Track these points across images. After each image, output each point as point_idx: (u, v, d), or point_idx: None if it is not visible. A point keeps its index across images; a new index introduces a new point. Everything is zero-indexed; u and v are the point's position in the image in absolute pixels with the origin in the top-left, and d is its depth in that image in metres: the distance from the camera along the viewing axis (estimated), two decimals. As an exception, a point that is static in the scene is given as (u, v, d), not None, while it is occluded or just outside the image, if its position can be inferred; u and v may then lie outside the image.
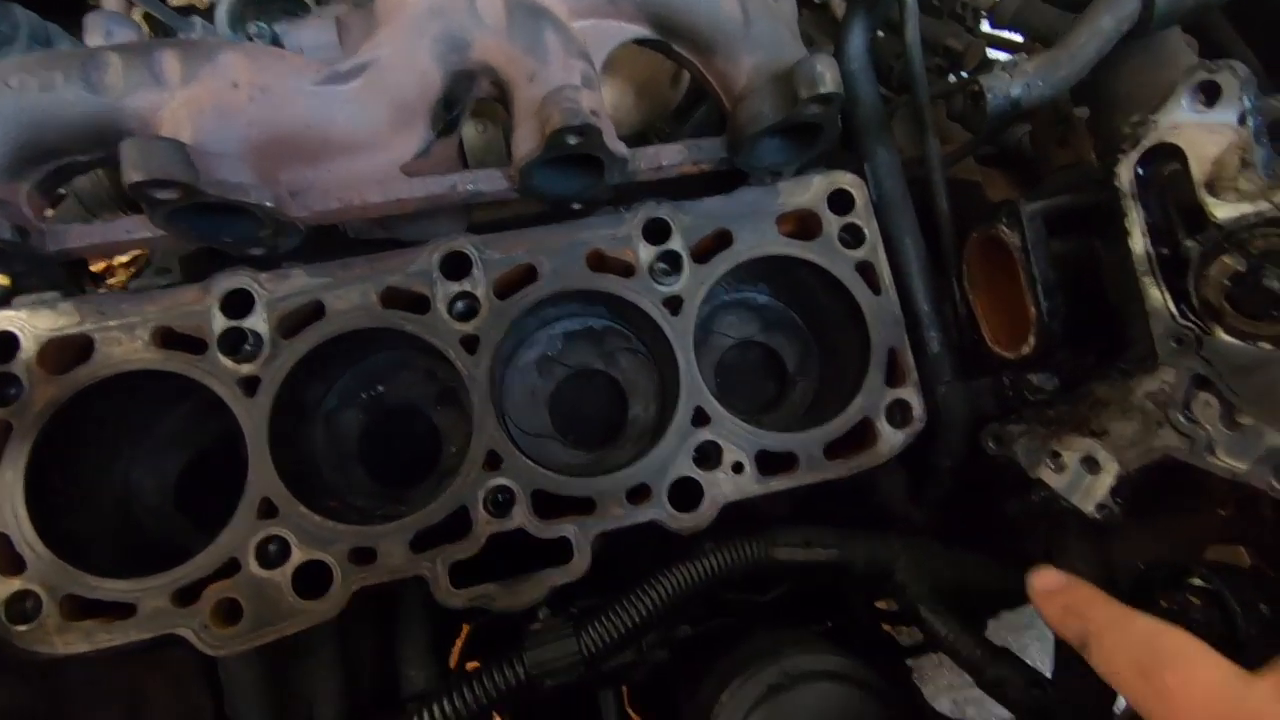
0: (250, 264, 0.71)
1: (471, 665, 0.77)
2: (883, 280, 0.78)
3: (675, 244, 0.74)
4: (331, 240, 0.77)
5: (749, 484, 0.73)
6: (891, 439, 0.75)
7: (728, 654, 0.76)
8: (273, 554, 0.67)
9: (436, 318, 0.71)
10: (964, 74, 1.12)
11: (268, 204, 0.60)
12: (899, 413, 0.76)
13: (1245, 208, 0.49)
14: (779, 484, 0.73)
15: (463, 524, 0.69)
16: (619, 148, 0.64)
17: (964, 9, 1.07)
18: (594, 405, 0.86)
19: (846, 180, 0.79)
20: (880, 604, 1.00)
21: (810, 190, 0.78)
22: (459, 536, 0.69)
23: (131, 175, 0.53)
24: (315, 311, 0.70)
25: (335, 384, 0.81)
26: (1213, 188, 0.51)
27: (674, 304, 0.75)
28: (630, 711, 0.99)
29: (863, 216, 0.78)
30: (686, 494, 0.72)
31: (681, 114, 1.04)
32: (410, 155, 0.67)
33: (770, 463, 0.74)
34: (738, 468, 0.73)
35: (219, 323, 0.68)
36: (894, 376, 0.77)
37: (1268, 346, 0.49)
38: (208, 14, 1.30)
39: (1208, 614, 0.58)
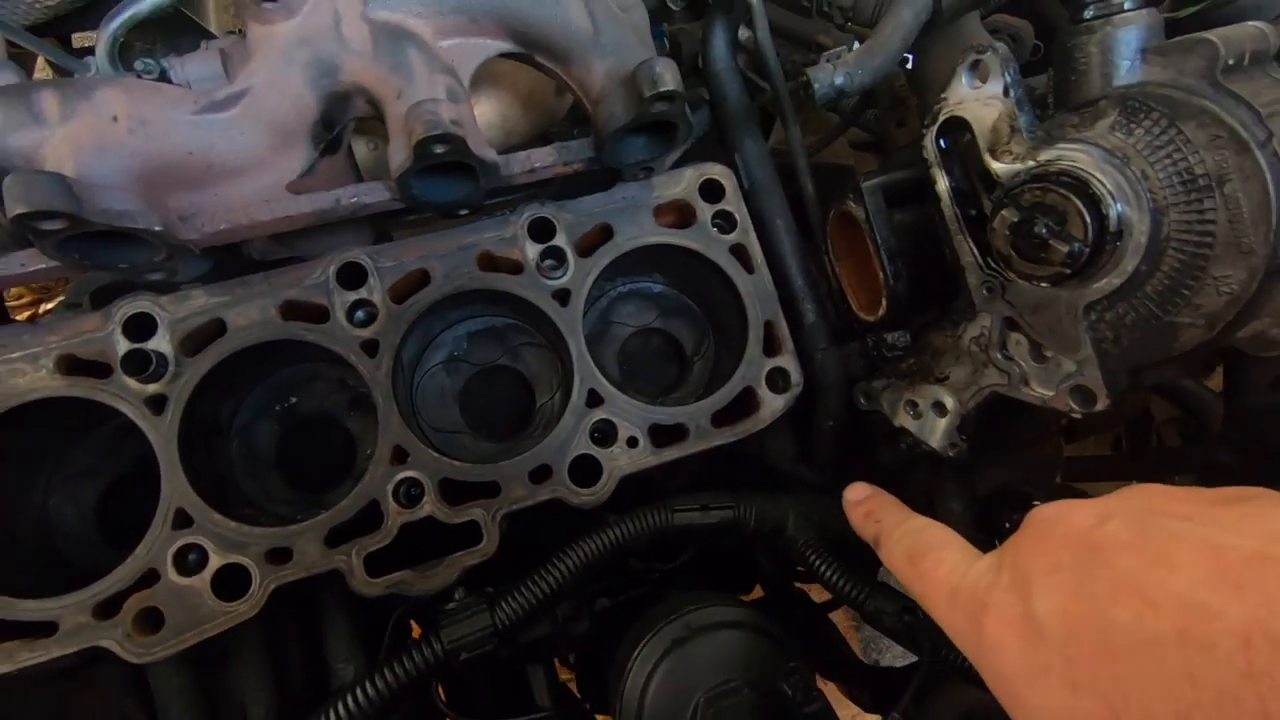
0: (153, 289, 0.74)
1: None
2: (755, 260, 0.84)
3: (559, 240, 0.80)
4: (237, 264, 0.80)
5: (643, 456, 0.78)
6: (773, 404, 0.82)
7: (639, 619, 0.81)
8: (191, 562, 0.70)
9: (336, 326, 0.75)
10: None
11: (156, 228, 0.64)
12: (779, 379, 0.83)
13: (1018, 166, 0.57)
14: (671, 454, 0.79)
15: (375, 517, 0.73)
16: (488, 154, 0.69)
17: (830, 7, 1.16)
18: (502, 399, 0.91)
19: (716, 171, 0.85)
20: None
21: (683, 182, 0.84)
22: (372, 529, 0.73)
23: (15, 208, 0.56)
24: (217, 329, 0.74)
25: (246, 399, 0.84)
26: (994, 152, 0.59)
27: (563, 296, 0.80)
28: (572, 688, 1.03)
29: (733, 203, 0.85)
30: (586, 471, 0.77)
31: (580, 120, 1.10)
32: (295, 174, 0.71)
33: (662, 435, 0.80)
34: (632, 442, 0.78)
35: (122, 346, 0.71)
36: (771, 347, 0.83)
37: (1046, 285, 0.57)
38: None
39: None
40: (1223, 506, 0.38)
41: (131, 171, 0.64)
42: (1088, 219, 0.52)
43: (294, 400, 0.86)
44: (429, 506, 0.74)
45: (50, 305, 1.15)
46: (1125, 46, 0.50)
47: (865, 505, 0.65)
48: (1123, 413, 0.74)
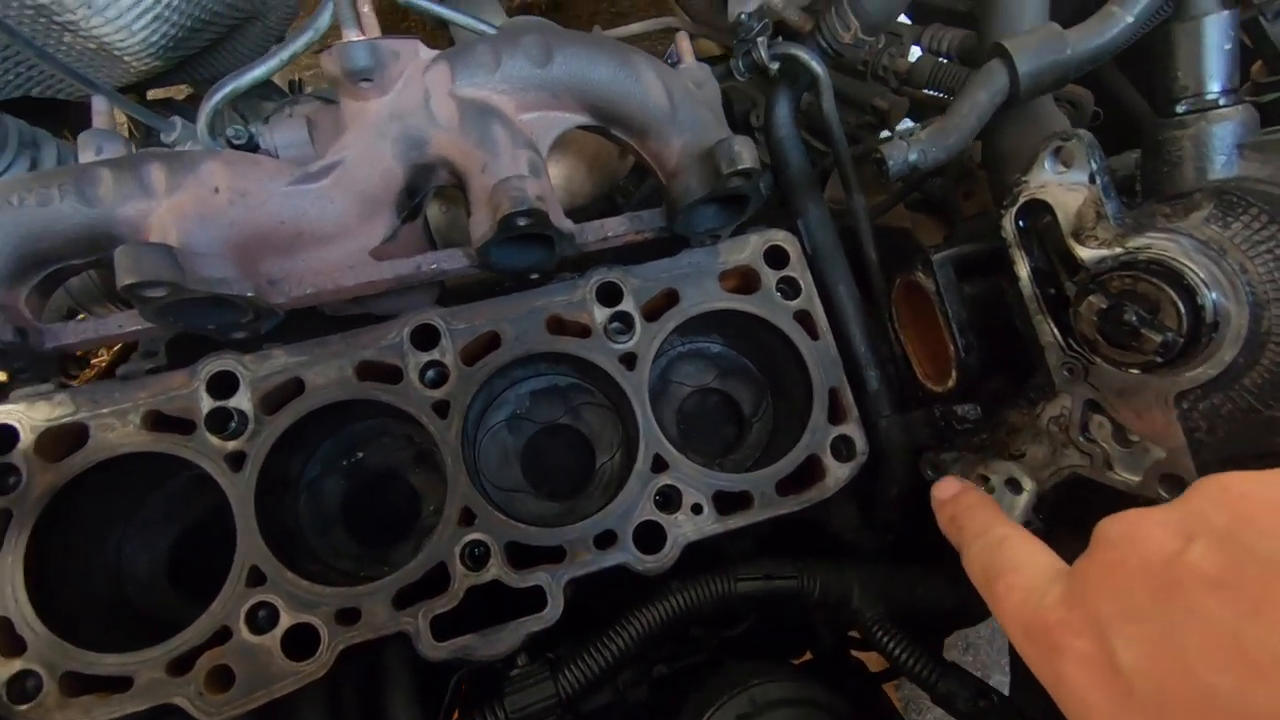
0: (233, 346, 0.76)
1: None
2: (820, 326, 0.85)
3: (627, 305, 0.81)
4: (310, 318, 0.83)
5: (708, 524, 0.78)
6: (838, 472, 0.81)
7: (700, 689, 0.80)
8: (262, 620, 0.71)
9: (409, 386, 0.77)
10: (888, 130, 1.23)
11: (249, 294, 0.66)
12: (843, 447, 0.82)
13: (1104, 252, 0.56)
14: (736, 522, 0.78)
15: (441, 579, 0.73)
16: (565, 224, 0.71)
17: (885, 72, 1.18)
18: (563, 458, 0.91)
19: (780, 237, 0.86)
20: (853, 633, 1.05)
21: (748, 248, 0.85)
22: (439, 591, 0.73)
23: (125, 279, 0.59)
24: (296, 387, 0.76)
25: (316, 453, 0.86)
26: (1078, 236, 0.59)
27: (629, 360, 0.81)
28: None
29: (797, 269, 0.86)
30: (650, 537, 0.77)
31: (640, 176, 1.13)
32: (378, 240, 0.74)
33: (727, 502, 0.79)
34: (697, 509, 0.78)
35: (206, 404, 0.73)
36: (836, 414, 0.83)
37: (1136, 371, 0.56)
38: (188, 101, 1.39)
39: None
40: None
41: (229, 240, 0.67)
42: (1182, 309, 0.52)
43: (360, 455, 0.88)
44: (495, 570, 0.74)
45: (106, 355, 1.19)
46: (1220, 142, 0.51)
47: (950, 508, 0.61)
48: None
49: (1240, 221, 0.50)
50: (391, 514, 0.88)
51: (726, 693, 0.75)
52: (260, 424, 0.74)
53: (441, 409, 0.77)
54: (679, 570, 0.78)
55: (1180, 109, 0.52)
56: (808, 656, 1.08)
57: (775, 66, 0.87)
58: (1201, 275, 0.51)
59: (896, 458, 0.84)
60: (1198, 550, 0.35)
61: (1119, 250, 0.56)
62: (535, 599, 0.74)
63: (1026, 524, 0.70)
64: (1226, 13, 0.50)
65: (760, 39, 0.85)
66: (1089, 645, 0.38)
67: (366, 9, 0.73)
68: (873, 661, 1.03)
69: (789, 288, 0.86)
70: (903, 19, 1.25)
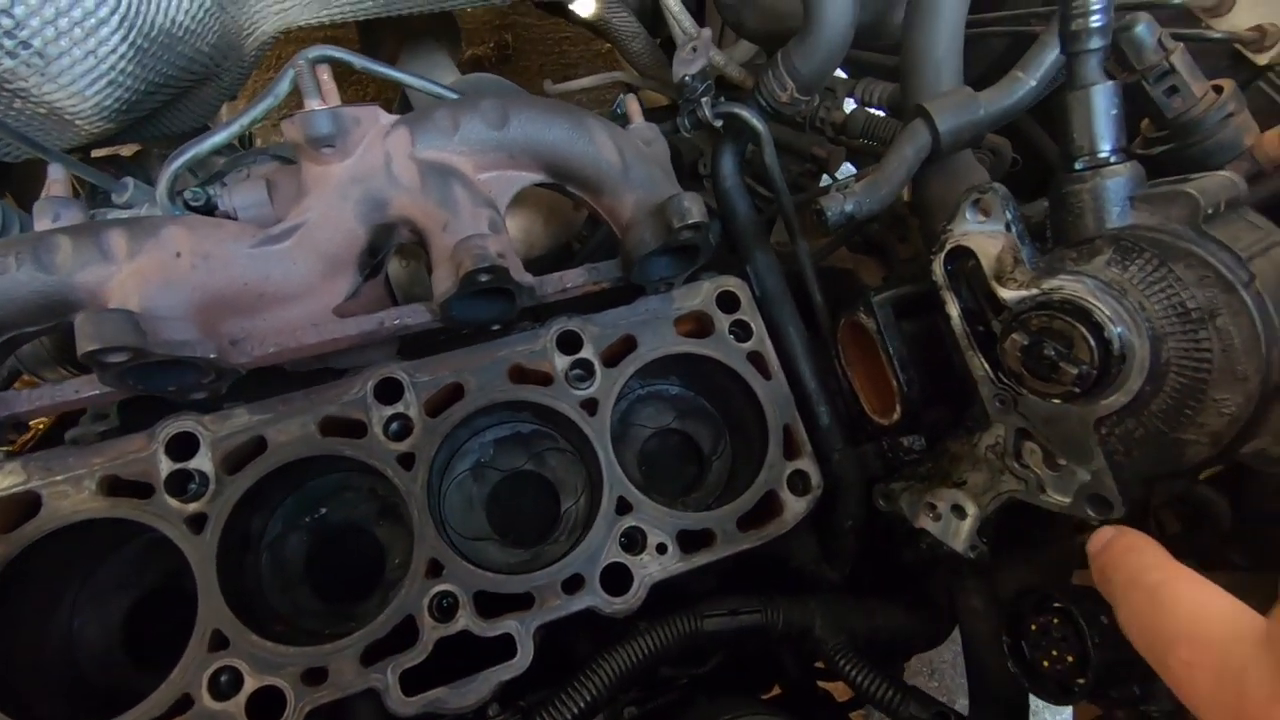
0: (192, 406, 0.76)
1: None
2: (771, 366, 0.89)
3: (587, 352, 0.84)
4: (268, 374, 0.83)
5: (673, 563, 0.80)
6: (795, 506, 0.84)
7: (671, 728, 0.81)
8: (225, 685, 0.69)
9: (373, 440, 0.77)
10: (829, 176, 1.30)
11: (212, 356, 0.67)
12: (799, 482, 0.86)
13: (1023, 293, 0.62)
14: (700, 559, 0.81)
15: (410, 632, 0.73)
16: (525, 278, 0.74)
17: (822, 123, 1.25)
18: (528, 504, 0.93)
19: (731, 283, 0.91)
20: (818, 664, 1.07)
21: (701, 294, 0.90)
22: (407, 645, 0.73)
23: (86, 345, 0.59)
24: (258, 446, 0.76)
25: (278, 510, 0.86)
26: (1000, 278, 0.64)
27: (591, 405, 0.83)
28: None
29: (748, 313, 0.90)
30: (617, 578, 0.78)
31: (594, 223, 1.17)
32: (341, 298, 0.75)
33: (691, 541, 0.82)
34: (662, 549, 0.80)
35: (165, 466, 0.73)
36: (791, 450, 0.87)
37: (1058, 401, 0.61)
38: (134, 159, 1.38)
39: (1064, 630, 0.67)
40: None
41: (192, 303, 0.67)
42: (1093, 343, 0.57)
43: (324, 511, 0.88)
44: (464, 620, 0.74)
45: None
46: (1115, 194, 0.57)
47: (1100, 560, 0.50)
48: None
49: (1136, 265, 0.55)
50: (356, 569, 0.87)
51: (698, 730, 0.76)
52: (222, 484, 0.73)
53: (407, 461, 0.77)
54: (646, 610, 0.80)
55: (1078, 166, 0.58)
56: (777, 690, 1.10)
57: (719, 124, 0.92)
58: (1107, 313, 0.56)
59: (850, 490, 0.88)
60: None
61: (1035, 291, 0.61)
62: (505, 647, 0.75)
63: (972, 548, 0.75)
64: (1111, 83, 0.57)
65: (704, 99, 0.90)
66: None
67: (326, 76, 0.75)
68: (840, 691, 1.05)
69: (741, 330, 0.90)
70: (839, 73, 1.34)
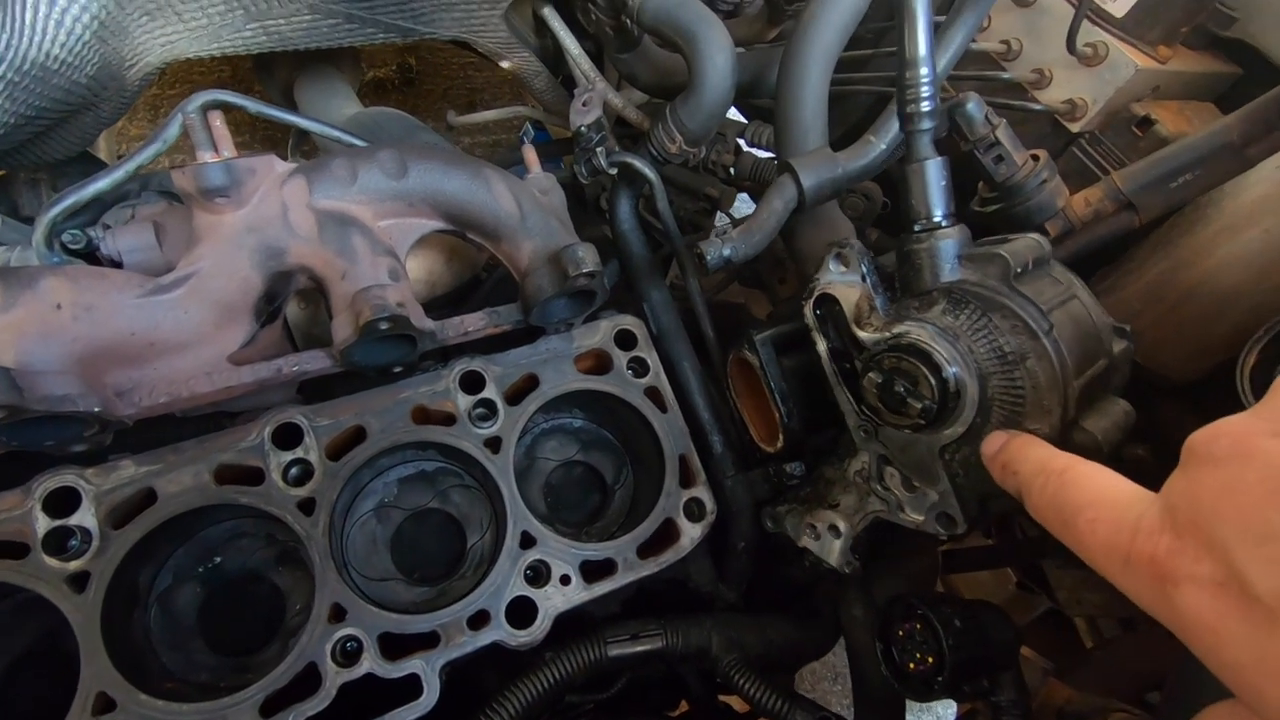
0: (73, 460, 0.73)
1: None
2: (667, 400, 0.94)
3: (489, 392, 0.87)
4: (160, 420, 0.81)
5: (576, 593, 0.83)
6: (691, 532, 0.90)
7: (578, 753, 0.84)
8: (111, 750, 0.67)
9: (271, 486, 0.77)
10: (723, 213, 1.39)
11: (95, 409, 0.66)
12: (695, 508, 0.91)
13: (877, 336, 0.70)
14: (603, 588, 0.84)
15: (312, 679, 0.73)
16: (427, 324, 0.77)
17: (714, 165, 1.34)
18: (433, 542, 0.94)
19: (628, 321, 0.96)
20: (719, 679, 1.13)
21: (599, 333, 0.94)
22: (310, 692, 0.72)
23: (-45, 406, 0.57)
24: (147, 498, 0.74)
25: (168, 562, 0.83)
26: (858, 322, 0.72)
27: (494, 444, 0.86)
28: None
29: (645, 349, 0.95)
30: (522, 611, 0.81)
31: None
32: (236, 346, 0.75)
33: (593, 570, 0.85)
34: (565, 580, 0.83)
35: (42, 524, 0.70)
36: (686, 479, 0.92)
37: (909, 431, 0.69)
38: (1, 185, 1.30)
39: (924, 634, 0.75)
40: None
41: (73, 355, 0.66)
42: (933, 382, 0.65)
43: (218, 560, 0.86)
44: (368, 663, 0.75)
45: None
46: (946, 253, 0.66)
47: (1001, 457, 0.57)
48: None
49: (964, 314, 0.64)
50: (254, 617, 0.85)
51: (602, 753, 0.80)
52: (107, 540, 0.71)
53: (307, 507, 0.77)
54: (551, 639, 0.83)
55: (917, 228, 0.67)
56: (684, 707, 1.15)
57: (614, 171, 0.98)
58: (944, 355, 0.65)
59: (742, 513, 0.94)
60: None
61: (887, 335, 0.69)
62: (411, 687, 0.76)
63: (847, 564, 0.82)
64: (940, 158, 0.67)
65: (599, 148, 0.96)
66: (1212, 571, 0.35)
67: (219, 123, 0.75)
68: (739, 703, 1.11)
69: (639, 366, 0.95)
70: (735, 113, 1.44)
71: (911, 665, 0.78)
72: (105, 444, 0.74)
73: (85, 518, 0.71)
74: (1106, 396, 0.68)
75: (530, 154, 0.93)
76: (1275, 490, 0.34)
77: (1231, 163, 0.82)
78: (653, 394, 0.94)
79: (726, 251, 0.81)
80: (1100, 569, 0.43)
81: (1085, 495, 0.46)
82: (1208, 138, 0.82)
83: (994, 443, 0.60)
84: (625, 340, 0.95)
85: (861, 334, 0.71)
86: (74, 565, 0.70)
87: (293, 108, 1.69)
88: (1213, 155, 0.81)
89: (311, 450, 0.79)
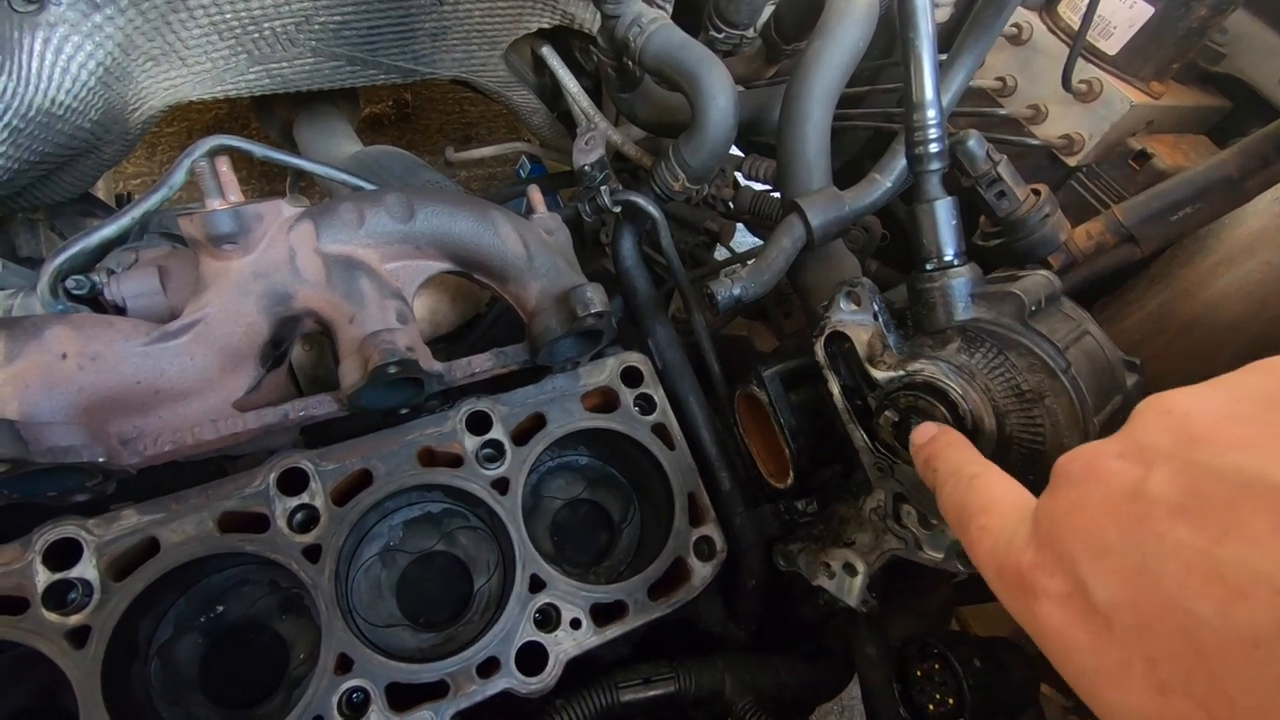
0: (74, 510, 0.72)
1: None
2: (675, 436, 0.94)
3: (496, 432, 0.86)
4: (161, 467, 0.80)
5: (587, 637, 0.82)
6: (702, 571, 0.89)
7: (590, 804, 0.81)
8: (109, 814, 0.65)
9: (276, 534, 0.76)
10: (726, 248, 1.40)
11: (100, 459, 0.64)
12: (705, 547, 0.90)
13: (891, 374, 0.70)
14: (613, 631, 0.83)
15: (317, 734, 0.71)
16: (434, 367, 0.76)
17: (714, 199, 1.35)
18: (439, 585, 0.92)
19: (635, 359, 0.96)
20: None
21: (606, 371, 0.94)
22: (315, 748, 0.71)
23: (-42, 460, 0.56)
24: (149, 548, 0.72)
25: (169, 613, 0.81)
26: (872, 360, 0.72)
27: (502, 485, 0.85)
28: None
29: (651, 386, 0.95)
30: (532, 657, 0.79)
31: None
32: (241, 392, 0.74)
33: (604, 613, 0.84)
34: (575, 624, 0.82)
35: (43, 578, 0.68)
36: (696, 517, 0.91)
37: (925, 471, 0.69)
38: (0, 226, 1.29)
39: (943, 675, 0.74)
40: None
41: (78, 405, 0.65)
42: (950, 419, 0.65)
43: (220, 609, 0.84)
44: (375, 715, 0.73)
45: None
46: (959, 292, 0.66)
47: (925, 450, 0.59)
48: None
49: (980, 352, 0.64)
50: (256, 668, 0.83)
51: (616, 805, 0.77)
52: (108, 592, 0.70)
53: (313, 554, 0.76)
54: (560, 684, 0.81)
55: (929, 268, 0.67)
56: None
57: (618, 209, 0.98)
58: (960, 393, 0.65)
59: (752, 552, 0.93)
60: (1158, 478, 0.35)
61: (901, 373, 0.69)
62: (420, 739, 0.74)
63: (864, 602, 0.81)
64: (950, 198, 0.67)
65: (603, 187, 0.96)
66: (1062, 584, 0.37)
67: (225, 168, 0.75)
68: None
69: (645, 403, 0.95)
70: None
71: (931, 706, 0.77)
72: (108, 493, 0.73)
73: (86, 570, 0.70)
74: (1121, 431, 0.68)
75: (535, 195, 0.93)
76: (1114, 508, 0.36)
77: (1230, 196, 0.83)
78: (660, 431, 0.94)
79: (736, 291, 0.81)
80: (985, 577, 0.45)
81: (981, 502, 0.48)
82: (1206, 171, 0.83)
83: (924, 434, 0.62)
84: (631, 377, 0.95)
85: (875, 372, 0.71)
86: (74, 619, 0.68)
87: (292, 146, 1.70)
88: (1211, 189, 0.83)
89: (317, 495, 0.78)
